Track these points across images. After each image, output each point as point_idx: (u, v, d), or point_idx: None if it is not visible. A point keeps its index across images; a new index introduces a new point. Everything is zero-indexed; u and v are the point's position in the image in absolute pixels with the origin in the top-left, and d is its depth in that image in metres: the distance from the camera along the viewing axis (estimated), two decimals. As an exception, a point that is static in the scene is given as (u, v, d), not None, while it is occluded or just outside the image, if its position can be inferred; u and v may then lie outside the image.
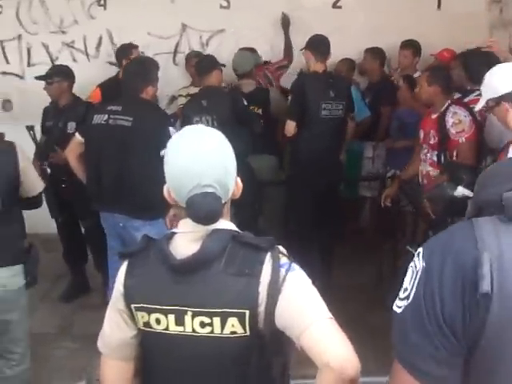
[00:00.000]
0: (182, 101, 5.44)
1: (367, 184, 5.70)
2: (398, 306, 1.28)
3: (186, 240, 1.62)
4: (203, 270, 1.57)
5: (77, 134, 4.01)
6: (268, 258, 1.57)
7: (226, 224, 1.65)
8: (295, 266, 1.59)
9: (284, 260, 1.59)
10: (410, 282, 1.27)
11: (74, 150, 4.00)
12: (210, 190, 1.57)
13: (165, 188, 1.67)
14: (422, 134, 4.28)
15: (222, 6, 6.00)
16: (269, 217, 5.17)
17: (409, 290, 1.26)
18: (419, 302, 1.22)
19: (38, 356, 4.09)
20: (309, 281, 1.59)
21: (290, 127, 4.61)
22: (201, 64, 4.89)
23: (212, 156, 1.60)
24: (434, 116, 4.16)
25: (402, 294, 1.28)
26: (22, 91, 5.95)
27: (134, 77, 3.85)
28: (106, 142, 3.71)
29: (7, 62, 6.15)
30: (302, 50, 4.80)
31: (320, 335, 1.49)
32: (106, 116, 3.73)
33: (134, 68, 3.99)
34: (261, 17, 5.82)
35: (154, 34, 6.00)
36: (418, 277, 1.24)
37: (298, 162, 4.79)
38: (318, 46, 4.63)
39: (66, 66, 4.93)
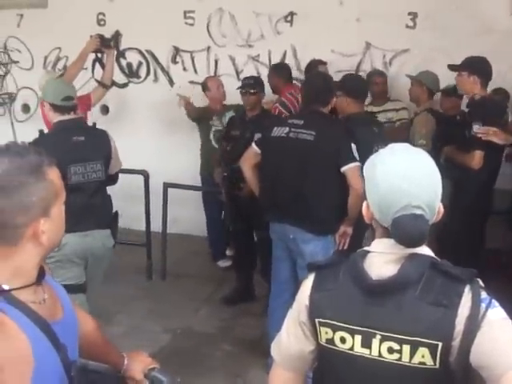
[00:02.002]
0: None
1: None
2: None
3: (382, 261, 1.61)
4: (398, 294, 1.55)
5: (253, 145, 4.19)
6: (467, 290, 1.53)
7: (424, 249, 1.62)
8: (496, 303, 1.53)
9: (484, 295, 1.53)
10: None
11: (249, 160, 4.19)
12: (419, 211, 1.56)
13: (364, 204, 1.68)
14: None
15: (407, 26, 6.10)
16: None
17: None
18: None
19: (197, 353, 4.50)
20: (509, 320, 1.53)
21: (479, 158, 4.40)
22: None
23: (425, 177, 1.59)
24: None
25: None
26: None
27: (317, 90, 3.96)
28: (285, 154, 3.84)
29: (195, 71, 6.76)
30: None
31: None
32: (287, 129, 3.86)
33: (317, 82, 4.11)
34: (446, 38, 5.87)
35: (337, 51, 6.24)
36: None
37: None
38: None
39: (262, 80, 5.34)
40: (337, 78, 5.02)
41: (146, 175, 5.80)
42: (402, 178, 1.56)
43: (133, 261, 6.04)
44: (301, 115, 3.99)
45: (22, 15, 7.30)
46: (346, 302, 1.62)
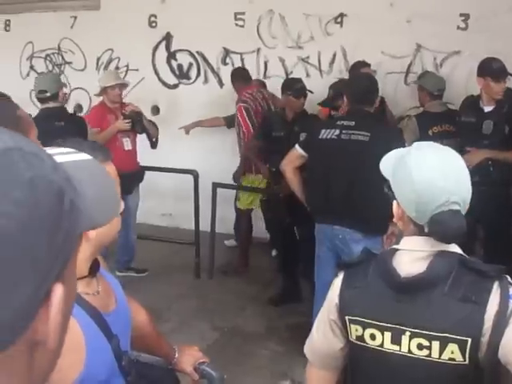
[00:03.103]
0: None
1: None
2: None
3: (411, 258, 1.65)
4: (427, 290, 1.60)
5: (297, 147, 4.21)
6: (496, 286, 1.57)
7: (454, 247, 1.67)
8: None
9: None
10: None
11: (293, 163, 4.22)
12: (456, 207, 1.61)
13: (394, 203, 1.74)
14: None
15: (459, 28, 6.16)
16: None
17: None
18: None
19: (244, 351, 4.66)
20: None
21: None
22: None
23: (459, 172, 1.66)
24: None
25: None
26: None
27: (365, 91, 4.05)
28: (337, 155, 3.87)
29: (245, 73, 6.95)
30: None
31: None
32: (338, 131, 3.90)
33: (364, 82, 4.20)
34: (499, 40, 5.92)
35: (387, 53, 6.34)
36: None
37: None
38: None
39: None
40: (387, 80, 5.19)
41: (195, 175, 5.99)
42: (439, 175, 1.61)
43: (182, 259, 6.27)
44: (350, 116, 4.01)
45: (75, 17, 7.62)
46: (376, 299, 1.68)
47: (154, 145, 5.76)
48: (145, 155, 5.83)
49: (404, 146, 3.64)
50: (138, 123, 5.51)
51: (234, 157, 6.47)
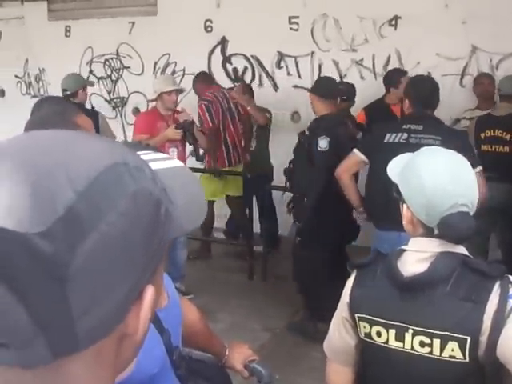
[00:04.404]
0: (466, 124, 5.84)
1: None
2: None
3: (416, 258, 1.73)
4: (429, 290, 1.67)
5: (356, 152, 4.10)
6: (497, 286, 1.63)
7: (459, 248, 1.74)
8: None
9: None
10: None
11: (351, 169, 4.14)
12: (465, 209, 1.68)
13: (404, 207, 1.82)
14: None
15: (515, 29, 6.22)
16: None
17: None
18: None
19: (296, 352, 4.78)
20: None
21: None
22: None
23: (467, 175, 1.74)
24: None
25: None
26: (309, 105, 6.86)
27: (432, 95, 4.01)
28: None
29: (299, 76, 7.15)
30: None
31: None
32: (406, 135, 3.83)
33: (427, 86, 4.11)
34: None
35: (442, 54, 6.44)
36: None
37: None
38: None
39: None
40: (442, 82, 5.28)
41: (250, 178, 6.18)
42: (448, 179, 1.69)
43: (236, 261, 6.52)
44: (416, 120, 3.92)
45: (133, 23, 7.97)
46: (382, 298, 1.77)
47: (199, 158, 5.85)
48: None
49: (472, 150, 3.74)
50: (190, 134, 5.43)
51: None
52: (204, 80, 6.60)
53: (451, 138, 3.69)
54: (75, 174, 0.57)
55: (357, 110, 6.07)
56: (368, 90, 6.53)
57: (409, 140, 3.80)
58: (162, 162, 0.80)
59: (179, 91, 5.70)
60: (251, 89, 6.82)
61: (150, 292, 0.65)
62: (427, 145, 3.60)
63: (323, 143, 4.53)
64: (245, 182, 6.28)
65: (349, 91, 5.39)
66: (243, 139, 6.57)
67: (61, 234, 0.54)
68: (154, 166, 0.70)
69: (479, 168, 3.63)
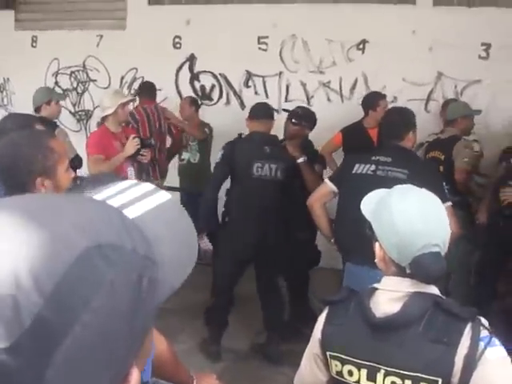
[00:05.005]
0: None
1: None
2: None
3: (388, 298, 1.75)
4: (401, 331, 1.68)
5: (327, 181, 4.10)
6: (468, 328, 1.64)
7: (431, 288, 1.76)
8: (496, 341, 1.63)
9: (484, 333, 1.64)
10: None
11: (322, 199, 4.08)
12: (437, 249, 1.70)
13: (376, 245, 1.83)
14: None
15: (480, 57, 6.39)
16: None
17: None
18: None
19: (260, 375, 4.78)
20: (509, 359, 1.63)
21: None
22: None
23: (438, 215, 1.76)
24: None
25: None
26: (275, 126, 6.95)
27: (395, 125, 4.01)
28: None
29: (267, 96, 7.21)
30: None
31: None
32: (374, 166, 3.82)
33: (394, 116, 4.19)
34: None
35: (408, 79, 6.59)
36: None
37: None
38: None
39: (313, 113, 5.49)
40: (408, 106, 5.41)
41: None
42: (419, 219, 1.72)
43: (199, 279, 6.46)
44: (385, 151, 3.93)
45: (101, 36, 7.95)
46: (354, 336, 1.77)
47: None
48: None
49: (441, 184, 3.67)
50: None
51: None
52: (146, 93, 6.64)
53: (419, 172, 3.71)
54: (40, 271, 0.51)
55: (332, 131, 6.14)
56: (335, 112, 6.65)
57: (376, 172, 3.81)
58: (144, 201, 0.70)
59: (130, 101, 5.58)
60: (197, 102, 7.00)
61: (134, 376, 0.61)
62: (394, 178, 3.69)
63: (218, 155, 4.92)
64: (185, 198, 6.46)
65: (303, 115, 5.30)
66: (166, 154, 6.65)
67: (28, 348, 0.50)
68: (135, 210, 0.65)
69: (448, 203, 3.58)
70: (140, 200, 0.69)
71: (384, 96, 6.01)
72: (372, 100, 5.96)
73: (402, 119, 4.06)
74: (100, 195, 0.68)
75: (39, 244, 0.53)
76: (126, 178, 5.05)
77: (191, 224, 0.73)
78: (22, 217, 0.55)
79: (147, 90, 6.69)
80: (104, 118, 5.29)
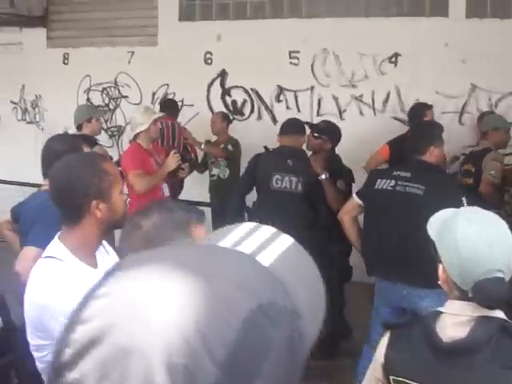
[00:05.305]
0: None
1: None
2: None
3: (454, 322, 1.72)
4: (468, 356, 1.66)
5: (355, 196, 4.18)
6: None
7: (496, 312, 1.73)
8: None
9: None
10: None
11: (350, 212, 4.17)
12: (500, 274, 1.68)
13: (440, 267, 1.82)
14: None
15: (515, 68, 6.35)
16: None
17: None
18: None
19: None
20: None
21: None
22: None
23: (504, 240, 1.73)
24: None
25: None
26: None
27: (416, 139, 4.08)
28: (392, 208, 3.85)
29: (299, 110, 7.23)
30: None
31: None
32: (393, 182, 3.88)
33: (416, 130, 4.31)
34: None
35: (441, 92, 6.55)
36: None
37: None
38: None
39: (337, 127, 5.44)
40: (442, 120, 5.41)
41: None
42: (484, 245, 1.69)
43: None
44: (406, 167, 3.99)
45: (133, 52, 8.05)
46: (419, 361, 1.75)
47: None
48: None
49: (461, 202, 3.62)
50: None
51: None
52: (168, 110, 6.63)
53: (437, 187, 3.77)
54: (211, 338, 0.50)
55: (364, 145, 6.14)
56: (367, 125, 6.67)
57: (395, 187, 3.87)
58: (271, 247, 0.65)
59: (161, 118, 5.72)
60: (228, 117, 7.06)
61: None
62: (412, 194, 3.83)
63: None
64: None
65: (324, 129, 5.28)
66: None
67: None
68: (266, 257, 0.61)
69: None
70: (267, 246, 0.64)
71: (430, 107, 5.89)
72: (418, 111, 5.80)
73: (424, 133, 4.12)
74: (225, 241, 0.64)
75: (206, 307, 0.51)
76: (161, 194, 5.19)
77: (316, 267, 0.69)
78: (185, 275, 0.53)
79: (169, 108, 6.77)
80: (136, 135, 5.37)
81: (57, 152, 2.87)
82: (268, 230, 0.68)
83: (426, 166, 3.94)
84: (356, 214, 4.18)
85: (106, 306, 0.52)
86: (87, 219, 2.17)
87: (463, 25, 6.49)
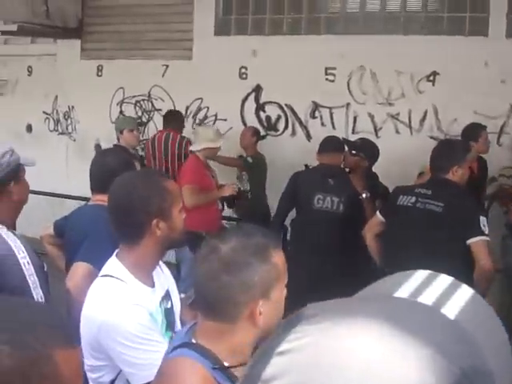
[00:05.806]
0: (504, 181, 5.96)
1: None
2: None
3: None
4: None
5: (377, 213, 4.35)
6: None
7: None
8: None
9: None
10: None
11: (372, 229, 4.32)
12: None
13: None
14: None
15: (556, 89, 6.29)
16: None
17: None
18: None
19: None
20: None
21: None
22: None
23: None
24: None
25: None
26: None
27: (440, 157, 4.10)
28: (412, 224, 3.96)
29: (334, 127, 7.21)
30: None
31: None
32: (414, 198, 3.99)
33: (441, 148, 4.29)
34: None
35: (480, 112, 6.47)
36: None
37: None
38: None
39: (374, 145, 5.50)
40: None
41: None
42: None
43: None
44: (428, 184, 4.11)
45: (167, 66, 8.09)
46: None
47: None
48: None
49: (475, 221, 3.75)
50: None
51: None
52: (173, 123, 6.98)
53: (456, 206, 3.87)
54: None
55: (400, 164, 6.17)
56: (404, 144, 6.63)
57: (416, 204, 3.98)
58: (454, 299, 0.61)
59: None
60: (259, 134, 7.13)
61: None
62: (431, 210, 3.89)
63: None
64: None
65: (361, 146, 5.29)
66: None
67: None
68: (449, 311, 0.57)
69: (482, 237, 3.77)
70: (448, 297, 0.60)
71: (485, 127, 5.88)
72: (474, 131, 5.76)
73: (448, 152, 4.15)
74: (401, 292, 0.60)
75: (418, 373, 0.48)
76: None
77: (498, 319, 0.62)
78: (402, 336, 0.51)
79: (174, 121, 7.01)
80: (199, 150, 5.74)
81: (112, 169, 2.87)
82: (446, 279, 0.64)
83: (447, 184, 4.01)
84: (378, 231, 4.28)
85: (292, 364, 0.48)
86: (147, 238, 2.17)
87: (503, 44, 6.43)
